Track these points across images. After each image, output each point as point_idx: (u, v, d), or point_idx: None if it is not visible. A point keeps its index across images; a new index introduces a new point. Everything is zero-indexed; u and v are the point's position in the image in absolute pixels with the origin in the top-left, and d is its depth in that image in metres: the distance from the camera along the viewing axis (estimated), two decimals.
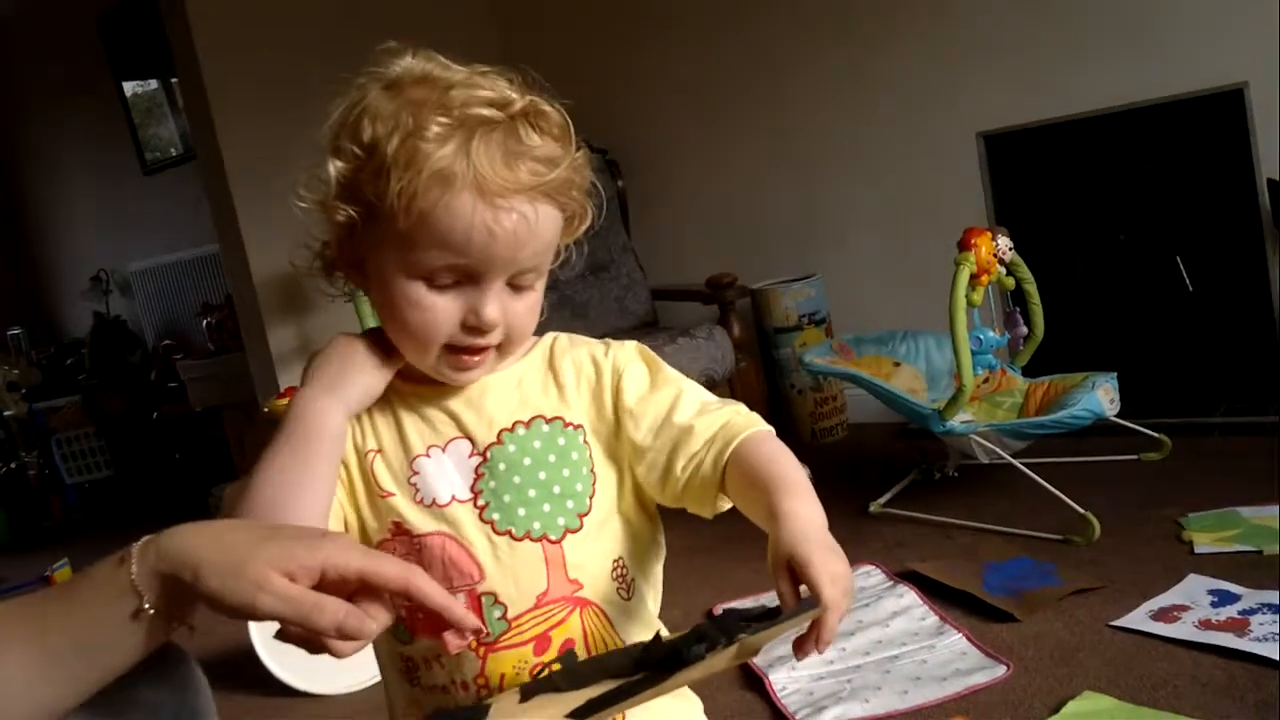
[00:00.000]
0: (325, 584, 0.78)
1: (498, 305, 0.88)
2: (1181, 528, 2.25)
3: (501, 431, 0.93)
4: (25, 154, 5.92)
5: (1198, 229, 2.93)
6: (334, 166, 0.90)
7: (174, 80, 4.76)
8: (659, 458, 0.94)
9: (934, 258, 2.74)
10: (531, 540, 0.91)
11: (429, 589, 0.81)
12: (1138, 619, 1.89)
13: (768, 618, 0.77)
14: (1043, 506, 2.36)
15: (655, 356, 0.99)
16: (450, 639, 0.86)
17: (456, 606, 0.82)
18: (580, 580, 0.93)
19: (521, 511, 0.91)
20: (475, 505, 0.92)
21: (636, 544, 0.98)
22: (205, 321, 4.69)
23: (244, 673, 2.24)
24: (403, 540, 0.92)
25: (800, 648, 0.79)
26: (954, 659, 1.89)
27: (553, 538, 0.92)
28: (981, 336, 2.58)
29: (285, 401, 3.28)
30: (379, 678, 1.02)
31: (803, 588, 0.78)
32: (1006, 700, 1.72)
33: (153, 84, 5.25)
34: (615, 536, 0.96)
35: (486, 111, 0.85)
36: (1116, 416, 2.51)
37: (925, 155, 3.33)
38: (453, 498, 0.92)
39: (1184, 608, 1.90)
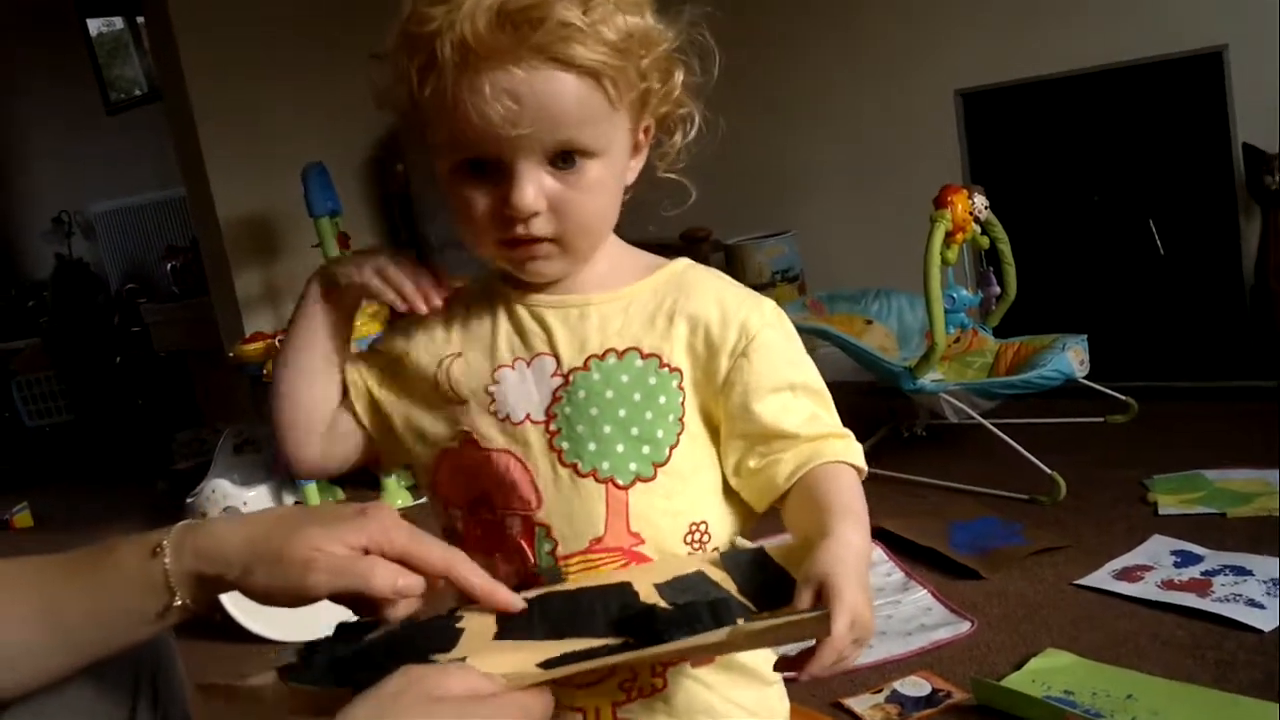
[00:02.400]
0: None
1: (533, 189, 0.81)
2: (1146, 489, 2.26)
3: (590, 357, 0.86)
4: None
5: (1172, 192, 2.93)
6: (372, 66, 0.85)
7: (140, 19, 4.65)
8: (744, 443, 0.88)
9: (909, 215, 2.72)
10: (596, 480, 0.85)
11: (472, 576, 0.80)
12: (1101, 578, 1.91)
13: (763, 608, 0.75)
14: (1010, 466, 2.37)
15: (791, 327, 0.91)
16: (499, 562, 0.85)
17: (500, 591, 0.80)
18: (642, 534, 0.86)
19: (592, 446, 0.85)
20: (547, 430, 0.86)
21: (734, 512, 0.91)
22: (170, 265, 4.63)
23: (208, 619, 2.22)
24: (471, 449, 0.88)
25: (784, 665, 0.75)
26: (919, 614, 1.90)
27: (620, 482, 0.85)
28: (955, 295, 2.57)
29: (251, 346, 3.22)
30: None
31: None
32: (970, 656, 1.73)
33: (118, 22, 5.13)
34: (699, 497, 0.88)
35: None
36: (1085, 378, 2.52)
37: (903, 112, 3.30)
38: (527, 416, 0.86)
39: (1147, 568, 1.91)
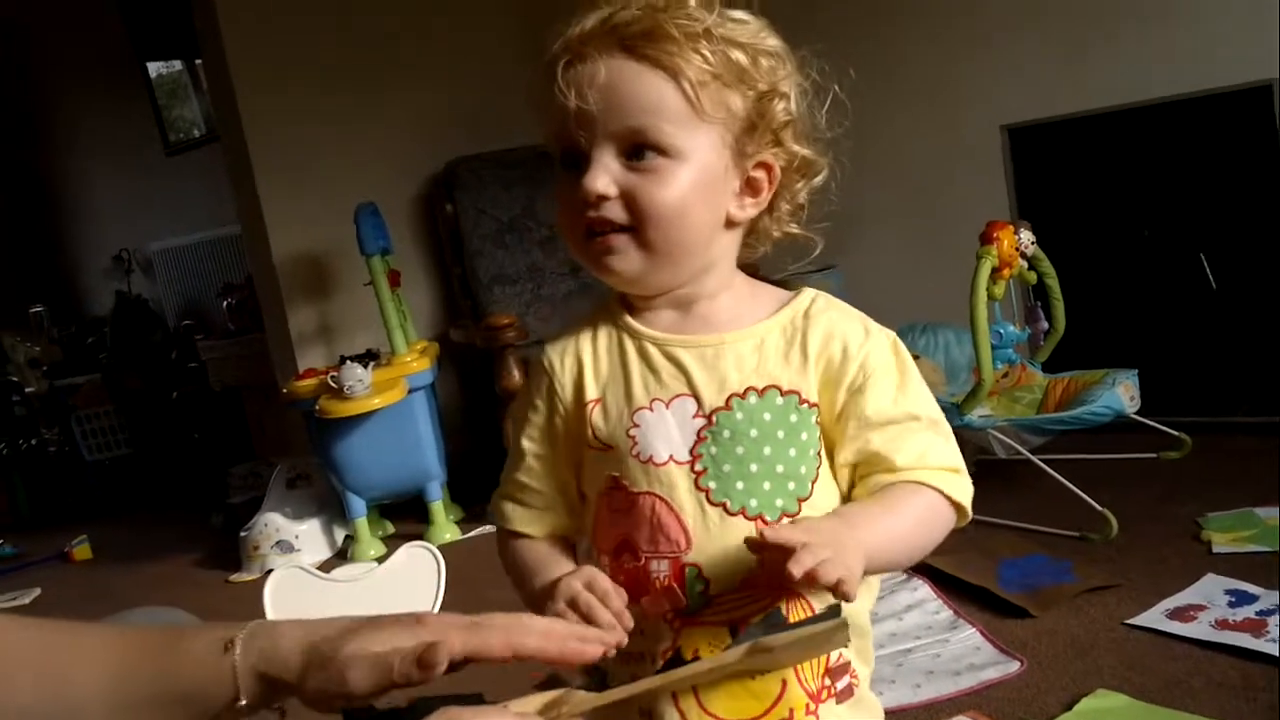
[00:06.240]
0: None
1: (603, 174, 0.85)
2: (1200, 527, 2.23)
3: (731, 396, 0.87)
4: (49, 134, 5.95)
5: (1222, 226, 2.90)
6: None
7: (198, 61, 4.77)
8: (852, 472, 0.90)
9: (955, 251, 2.72)
10: (746, 517, 0.86)
11: (540, 646, 0.78)
12: (1154, 617, 1.88)
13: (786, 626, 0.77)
14: (1060, 503, 2.35)
15: (907, 358, 0.92)
16: (648, 605, 0.85)
17: (570, 645, 0.79)
18: None
19: (740, 485, 0.86)
20: (692, 470, 0.87)
21: None
22: (226, 302, 4.72)
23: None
24: (619, 494, 0.89)
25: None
26: (968, 654, 1.88)
27: (769, 519, 0.87)
28: (1002, 330, 2.56)
29: (304, 383, 3.28)
30: None
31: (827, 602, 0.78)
32: (1020, 696, 1.71)
33: (177, 65, 5.27)
34: None
35: (613, 5, 0.85)
36: (1137, 414, 2.49)
37: (948, 147, 3.30)
38: (670, 457, 0.87)
39: (1200, 607, 1.89)
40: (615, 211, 0.85)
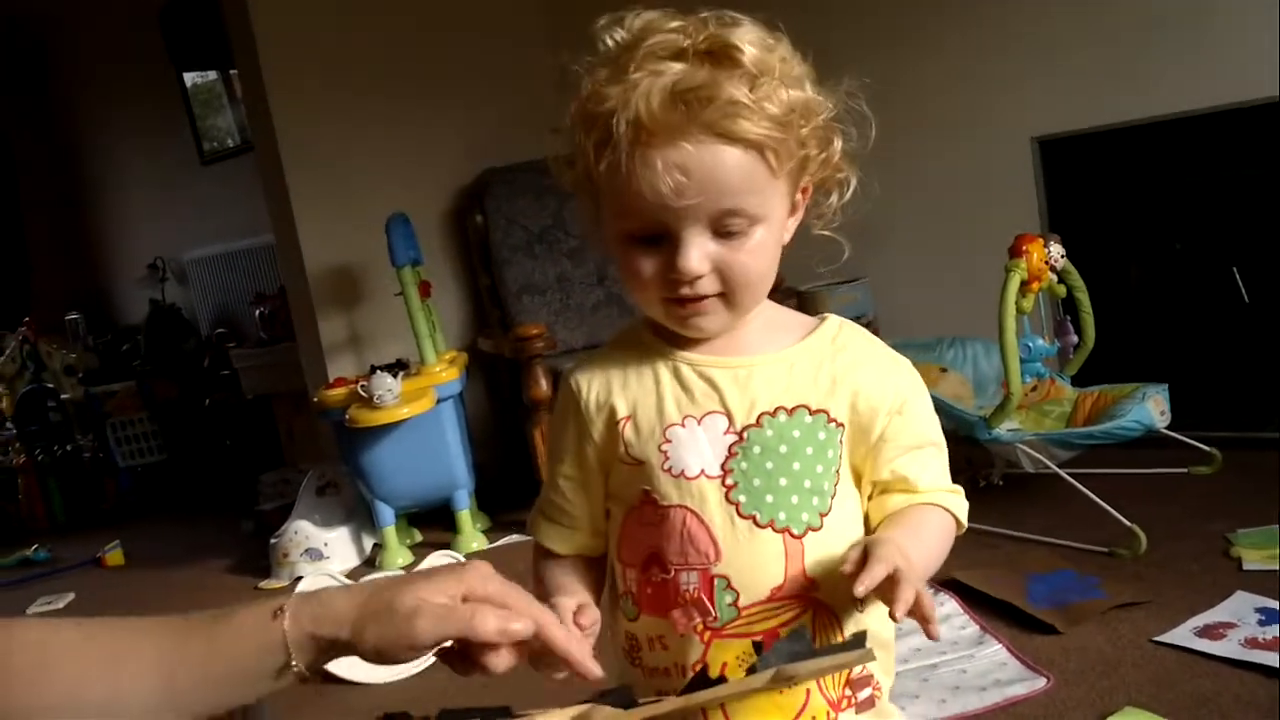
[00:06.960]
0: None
1: (698, 255, 0.86)
2: (1230, 544, 2.22)
3: (762, 415, 0.90)
4: (86, 143, 6.03)
5: (1255, 240, 2.88)
6: (548, 140, 0.92)
7: (233, 71, 4.83)
8: (873, 488, 0.94)
9: (984, 263, 2.71)
10: (774, 530, 0.89)
11: (559, 637, 0.81)
12: (1183, 635, 1.87)
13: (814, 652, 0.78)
14: (1089, 518, 2.34)
15: (925, 385, 0.98)
16: (678, 617, 0.87)
17: (587, 660, 0.81)
18: (817, 580, 0.90)
19: (769, 499, 0.89)
20: (723, 484, 0.90)
21: None
22: (258, 311, 4.76)
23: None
24: (650, 508, 0.91)
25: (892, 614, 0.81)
26: (993, 669, 1.88)
27: (795, 532, 0.90)
28: (1030, 344, 2.56)
29: (334, 392, 3.30)
30: (419, 669, 1.03)
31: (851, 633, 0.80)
32: (1047, 713, 1.71)
33: (212, 75, 5.32)
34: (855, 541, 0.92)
35: (661, 65, 0.83)
36: (1167, 429, 2.48)
37: (978, 159, 3.29)
38: (702, 471, 0.90)
39: (1230, 625, 1.88)
40: (707, 286, 0.88)
